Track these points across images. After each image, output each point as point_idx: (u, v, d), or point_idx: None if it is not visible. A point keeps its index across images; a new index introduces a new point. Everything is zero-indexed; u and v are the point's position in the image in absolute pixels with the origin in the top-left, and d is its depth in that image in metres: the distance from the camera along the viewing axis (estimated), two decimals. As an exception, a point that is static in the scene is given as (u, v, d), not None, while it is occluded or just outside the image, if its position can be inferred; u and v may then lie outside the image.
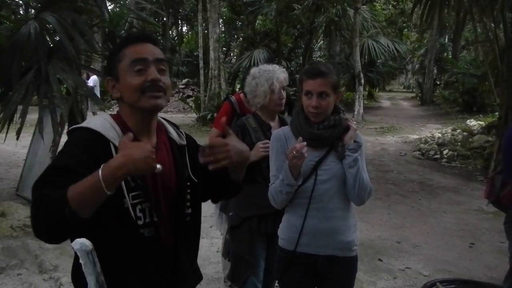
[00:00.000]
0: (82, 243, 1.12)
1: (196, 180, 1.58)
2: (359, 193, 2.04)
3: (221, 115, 3.18)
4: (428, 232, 5.39)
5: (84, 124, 1.43)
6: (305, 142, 1.93)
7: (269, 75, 2.63)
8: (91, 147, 1.35)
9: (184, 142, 1.60)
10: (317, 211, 2.06)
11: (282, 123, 2.70)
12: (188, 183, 1.56)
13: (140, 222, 1.40)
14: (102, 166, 1.19)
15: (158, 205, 1.46)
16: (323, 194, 2.05)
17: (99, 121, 1.44)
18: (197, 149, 1.59)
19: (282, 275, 2.15)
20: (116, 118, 1.48)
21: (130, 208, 1.37)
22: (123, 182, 1.33)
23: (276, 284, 2.87)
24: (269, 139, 2.50)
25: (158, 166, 1.23)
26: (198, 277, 1.70)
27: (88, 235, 1.27)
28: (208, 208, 1.70)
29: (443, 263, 4.42)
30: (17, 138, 5.24)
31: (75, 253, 1.37)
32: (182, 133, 1.62)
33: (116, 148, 1.36)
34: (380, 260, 4.44)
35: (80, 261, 1.12)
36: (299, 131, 2.11)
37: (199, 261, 1.74)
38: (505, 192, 2.96)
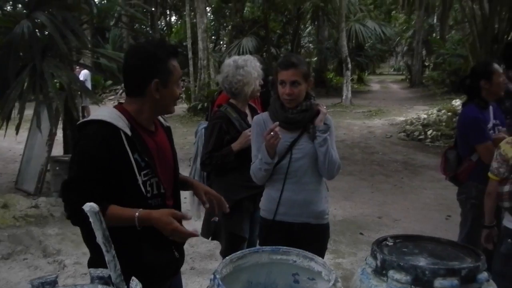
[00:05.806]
0: (91, 205, 1.33)
1: None
2: (328, 168, 2.35)
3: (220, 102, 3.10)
4: (408, 207, 5.70)
5: (94, 117, 1.67)
6: (278, 122, 2.24)
7: (252, 63, 2.81)
8: (107, 140, 1.61)
9: (168, 124, 1.94)
10: (292, 185, 2.36)
11: (252, 109, 2.96)
12: None
13: (148, 195, 1.70)
14: (142, 213, 1.59)
15: (162, 179, 1.75)
16: (297, 170, 2.36)
17: (107, 112, 1.68)
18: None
19: (264, 241, 2.45)
20: (120, 110, 1.71)
21: (141, 185, 1.66)
22: (134, 164, 1.63)
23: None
24: (250, 127, 2.76)
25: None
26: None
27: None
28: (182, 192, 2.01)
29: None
30: (17, 133, 5.48)
31: (82, 225, 1.64)
32: (164, 117, 1.95)
33: (125, 135, 1.63)
34: (361, 234, 4.76)
35: (90, 219, 1.32)
36: (275, 115, 2.40)
37: (193, 240, 2.00)
38: (462, 169, 3.14)
